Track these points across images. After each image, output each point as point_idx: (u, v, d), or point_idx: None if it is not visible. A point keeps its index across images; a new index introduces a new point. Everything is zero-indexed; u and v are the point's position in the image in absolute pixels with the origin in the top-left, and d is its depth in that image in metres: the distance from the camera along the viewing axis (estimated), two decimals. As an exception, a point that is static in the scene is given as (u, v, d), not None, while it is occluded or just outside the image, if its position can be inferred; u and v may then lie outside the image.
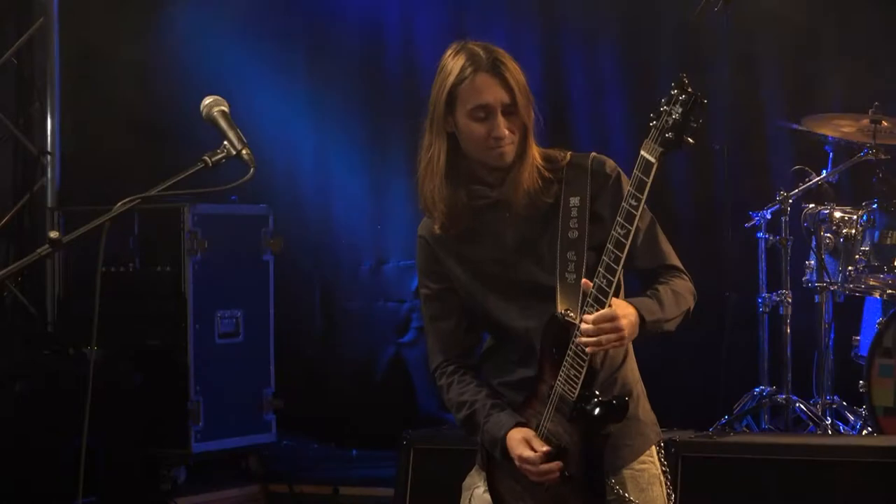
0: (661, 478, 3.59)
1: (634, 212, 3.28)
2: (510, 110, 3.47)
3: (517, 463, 3.48)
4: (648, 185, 3.26)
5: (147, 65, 8.13)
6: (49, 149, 7.78)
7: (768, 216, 6.61)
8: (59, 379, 6.36)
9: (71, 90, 7.89)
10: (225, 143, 3.20)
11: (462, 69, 3.46)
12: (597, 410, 3.41)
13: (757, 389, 6.63)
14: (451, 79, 3.47)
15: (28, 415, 6.25)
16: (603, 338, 3.32)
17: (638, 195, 3.28)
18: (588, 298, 3.36)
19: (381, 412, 7.72)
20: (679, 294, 3.52)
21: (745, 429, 6.44)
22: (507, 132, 3.45)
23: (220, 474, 7.04)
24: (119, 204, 3.14)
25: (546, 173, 3.53)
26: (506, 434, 3.50)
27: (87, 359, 6.51)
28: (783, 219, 6.59)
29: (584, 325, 3.34)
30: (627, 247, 3.30)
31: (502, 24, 7.84)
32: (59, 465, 6.03)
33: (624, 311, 3.35)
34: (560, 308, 3.45)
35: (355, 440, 7.76)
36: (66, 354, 6.71)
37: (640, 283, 3.56)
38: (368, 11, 8.16)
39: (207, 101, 3.26)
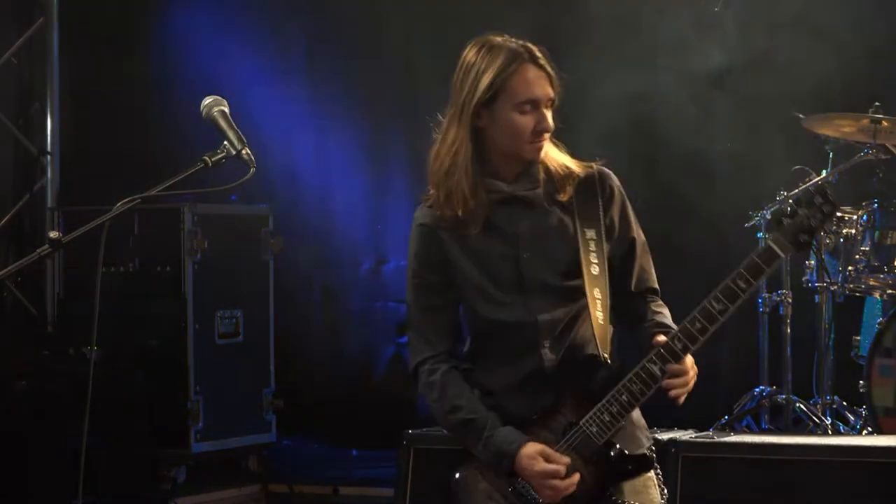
0: (655, 479, 3.61)
1: (741, 294, 3.34)
2: (548, 105, 3.50)
3: (537, 479, 3.43)
4: (765, 275, 3.33)
5: (147, 64, 8.13)
6: (49, 149, 7.78)
7: (768, 216, 6.60)
8: (59, 379, 6.35)
9: (71, 90, 7.89)
10: (225, 143, 3.20)
11: (507, 61, 3.46)
12: (621, 463, 3.46)
13: (757, 389, 6.63)
14: (494, 71, 3.45)
15: (28, 415, 6.24)
16: (688, 387, 3.42)
17: (750, 280, 3.33)
18: (661, 351, 3.38)
19: (381, 412, 7.71)
20: None
21: (745, 429, 6.44)
22: (550, 126, 3.48)
23: (220, 474, 7.04)
24: (119, 204, 3.14)
25: (560, 172, 3.54)
26: (518, 449, 3.45)
27: (87, 359, 6.51)
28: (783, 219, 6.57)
29: (674, 381, 3.38)
30: (719, 323, 3.35)
31: (502, 24, 7.82)
32: (59, 465, 6.02)
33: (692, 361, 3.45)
34: (601, 353, 3.47)
35: (355, 440, 7.76)
36: (66, 354, 6.71)
37: (616, 299, 3.56)
38: (368, 11, 8.15)
39: (207, 101, 3.26)
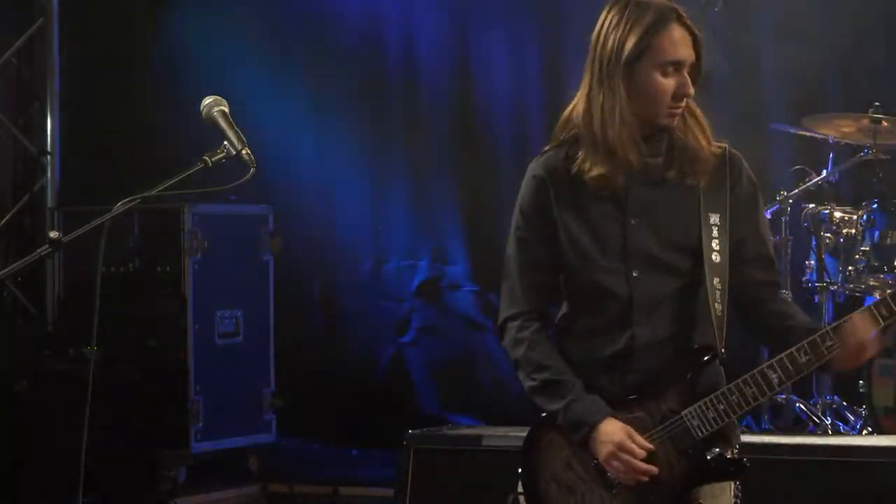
0: (733, 485, 3.47)
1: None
2: (690, 71, 3.38)
3: (610, 450, 3.29)
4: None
5: (147, 65, 8.13)
6: (49, 149, 7.78)
7: (768, 216, 6.60)
8: (59, 379, 6.35)
9: (71, 90, 7.89)
10: (225, 143, 3.20)
11: (655, 19, 3.33)
12: (718, 464, 3.35)
13: (757, 389, 6.63)
14: (641, 28, 3.32)
15: (28, 415, 6.24)
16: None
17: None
18: (784, 361, 3.33)
19: (381, 412, 7.71)
20: None
21: (744, 429, 6.44)
22: (691, 91, 3.36)
23: (220, 474, 7.04)
24: (119, 204, 3.14)
25: (689, 147, 3.40)
26: (603, 418, 3.31)
27: (87, 359, 6.50)
28: (783, 219, 6.58)
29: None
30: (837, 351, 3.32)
31: (502, 24, 7.84)
32: (59, 465, 6.02)
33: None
34: (719, 345, 3.37)
35: (355, 440, 7.76)
36: (66, 354, 6.71)
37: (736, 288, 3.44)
38: (368, 11, 8.16)
39: (207, 101, 3.26)
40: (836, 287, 6.44)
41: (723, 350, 3.39)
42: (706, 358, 3.38)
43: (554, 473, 3.42)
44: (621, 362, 3.39)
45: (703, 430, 3.33)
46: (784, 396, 6.51)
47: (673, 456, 3.34)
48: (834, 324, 3.36)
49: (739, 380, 3.34)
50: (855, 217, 6.40)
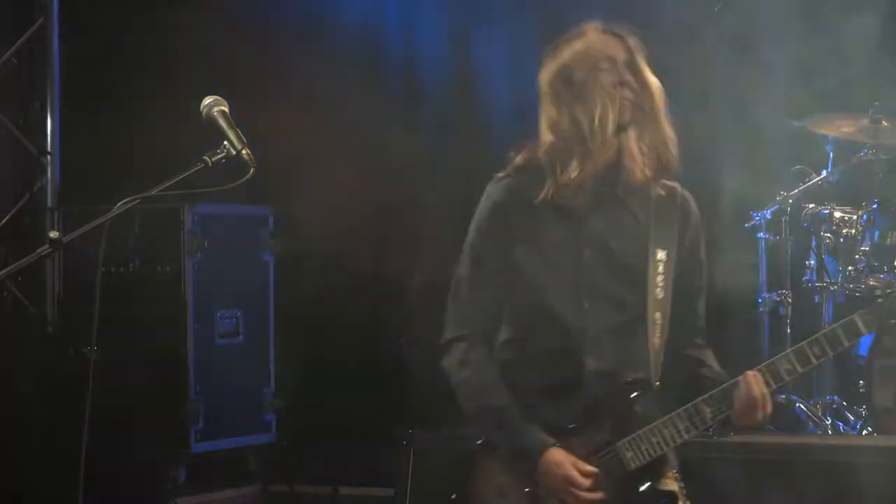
0: (681, 496, 3.56)
1: (813, 361, 3.35)
2: (632, 69, 3.56)
3: (559, 483, 3.37)
4: (844, 348, 3.36)
5: (147, 64, 8.12)
6: (49, 149, 7.77)
7: (768, 216, 6.60)
8: (59, 379, 6.35)
9: (71, 90, 7.88)
10: (225, 143, 3.20)
11: (576, 32, 3.65)
12: (649, 496, 3.42)
13: (757, 389, 6.62)
14: (570, 40, 3.63)
15: (28, 415, 6.24)
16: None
17: (826, 350, 3.35)
18: (718, 394, 3.39)
19: (381, 412, 7.71)
20: None
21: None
22: (630, 80, 3.53)
23: (220, 474, 7.04)
24: (119, 204, 3.14)
25: (642, 178, 3.51)
26: (548, 448, 3.39)
27: (87, 359, 6.50)
28: (783, 219, 6.58)
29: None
30: (783, 384, 3.39)
31: (502, 24, 7.83)
32: (59, 465, 6.02)
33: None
34: (654, 378, 3.44)
35: (355, 440, 7.75)
36: (66, 354, 6.70)
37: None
38: (368, 11, 8.15)
39: (207, 101, 3.26)
40: (835, 287, 6.44)
41: (657, 382, 3.44)
42: (640, 391, 3.43)
43: (486, 501, 3.47)
44: (569, 390, 3.45)
45: (637, 461, 3.39)
46: (784, 396, 6.51)
47: (607, 486, 3.39)
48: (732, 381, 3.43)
49: (674, 413, 3.41)
50: (855, 217, 6.39)
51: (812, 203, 6.54)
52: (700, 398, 3.40)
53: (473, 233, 3.55)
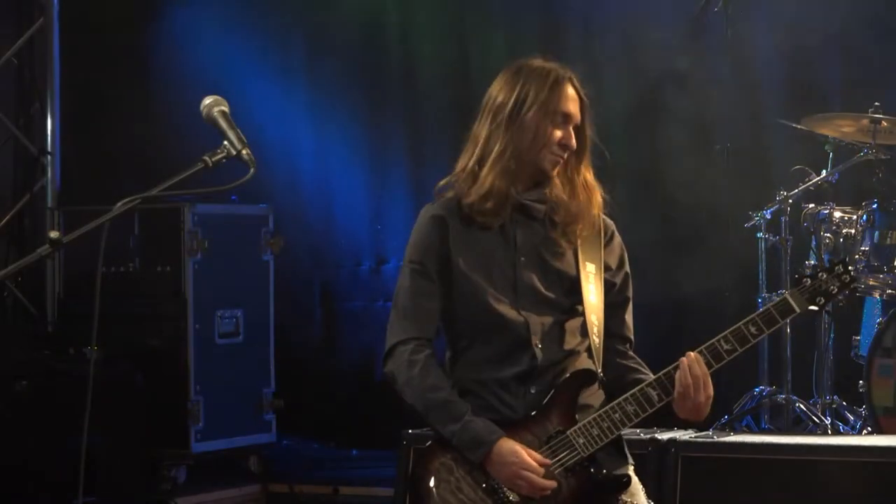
0: (641, 487, 3.65)
1: (751, 339, 3.56)
2: (574, 127, 3.67)
3: (512, 470, 3.46)
4: (778, 326, 3.57)
5: (147, 64, 8.13)
6: (49, 149, 7.77)
7: (768, 216, 6.60)
8: (59, 379, 6.35)
9: (71, 90, 7.89)
10: (225, 143, 3.20)
11: (554, 77, 3.65)
12: (602, 480, 3.51)
13: (757, 389, 6.63)
14: (540, 81, 3.64)
15: (28, 415, 6.24)
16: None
17: (762, 328, 3.56)
18: (662, 379, 3.55)
19: (381, 412, 7.71)
20: None
21: (744, 429, 6.44)
22: (574, 144, 3.65)
23: (220, 474, 7.04)
24: (119, 204, 3.14)
25: (566, 201, 3.67)
26: (500, 438, 3.49)
27: (87, 359, 6.50)
28: (783, 219, 6.58)
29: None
30: (724, 362, 3.56)
31: (502, 24, 7.84)
32: (60, 465, 6.02)
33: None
34: (597, 367, 3.59)
35: (355, 440, 7.76)
36: (66, 354, 6.70)
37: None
38: (368, 11, 8.15)
39: (207, 101, 3.26)
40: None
41: (601, 374, 3.60)
42: (588, 380, 3.58)
43: (443, 498, 3.54)
44: (525, 380, 3.59)
45: (589, 448, 3.51)
46: (784, 396, 6.51)
47: (560, 474, 3.49)
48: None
49: (621, 398, 3.54)
50: (855, 217, 6.39)
51: (812, 203, 6.54)
52: (645, 383, 3.56)
53: (411, 246, 3.71)
